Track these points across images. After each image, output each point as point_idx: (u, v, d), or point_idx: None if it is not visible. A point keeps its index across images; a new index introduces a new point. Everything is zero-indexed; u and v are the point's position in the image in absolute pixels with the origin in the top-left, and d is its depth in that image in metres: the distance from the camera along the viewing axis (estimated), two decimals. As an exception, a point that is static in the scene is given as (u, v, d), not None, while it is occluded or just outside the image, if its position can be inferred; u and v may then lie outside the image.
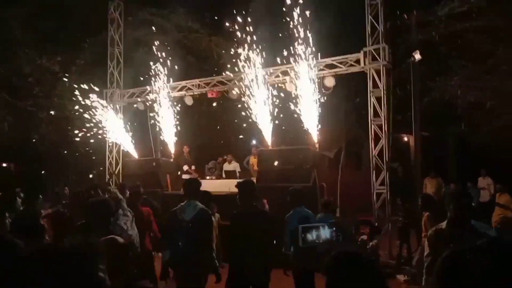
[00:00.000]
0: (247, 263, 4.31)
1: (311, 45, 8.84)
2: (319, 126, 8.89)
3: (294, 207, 5.01)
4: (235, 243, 4.50)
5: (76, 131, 12.08)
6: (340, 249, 1.82)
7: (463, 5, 10.18)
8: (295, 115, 9.10)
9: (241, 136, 14.75)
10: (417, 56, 8.88)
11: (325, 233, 3.15)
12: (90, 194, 5.49)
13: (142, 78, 11.86)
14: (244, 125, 11.18)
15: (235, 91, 10.73)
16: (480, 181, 12.24)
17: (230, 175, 10.98)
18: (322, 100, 9.00)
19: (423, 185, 10.87)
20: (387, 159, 8.64)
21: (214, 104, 13.84)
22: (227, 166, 11.63)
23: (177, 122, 11.35)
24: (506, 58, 10.86)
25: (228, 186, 8.44)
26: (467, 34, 10.89)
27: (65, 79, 13.76)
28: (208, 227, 4.46)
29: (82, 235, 3.14)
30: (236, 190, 4.67)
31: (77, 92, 11.49)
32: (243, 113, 9.84)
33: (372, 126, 8.88)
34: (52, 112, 14.54)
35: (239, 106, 10.23)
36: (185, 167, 11.06)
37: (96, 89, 11.78)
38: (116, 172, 12.72)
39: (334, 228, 3.21)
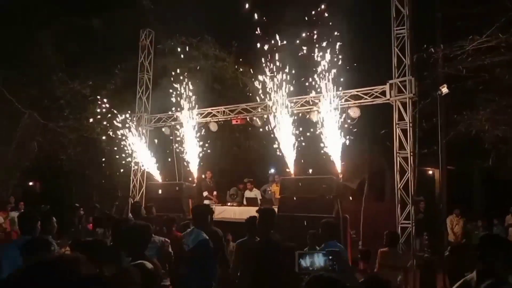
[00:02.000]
0: None
1: (337, 76, 8.92)
2: (343, 157, 8.86)
3: (326, 240, 4.91)
4: (247, 272, 4.45)
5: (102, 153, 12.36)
6: (316, 273, 1.82)
7: (491, 40, 10.15)
8: (319, 145, 9.10)
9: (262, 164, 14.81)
10: (444, 89, 8.84)
11: (319, 260, 3.11)
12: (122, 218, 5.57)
13: (169, 104, 12.14)
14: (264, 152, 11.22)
15: (258, 119, 10.86)
16: (508, 219, 11.87)
17: (251, 202, 10.98)
18: (346, 131, 9.00)
19: (449, 224, 10.58)
20: (412, 193, 8.50)
21: (238, 131, 14.00)
22: (248, 193, 11.65)
23: (201, 148, 11.50)
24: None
25: (249, 213, 8.44)
26: (495, 68, 10.80)
27: (95, 103, 14.17)
28: (208, 256, 4.37)
29: (117, 260, 3.16)
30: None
31: (106, 115, 11.82)
32: (265, 141, 9.92)
33: (398, 158, 8.80)
34: (82, 134, 14.93)
35: (265, 131, 10.33)
36: (205, 193, 11.13)
37: (123, 112, 12.11)
38: (139, 196, 12.88)
39: (330, 257, 3.15)
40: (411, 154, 8.66)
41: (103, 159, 12.89)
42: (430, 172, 15.76)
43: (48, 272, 1.60)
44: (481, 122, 11.52)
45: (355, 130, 9.34)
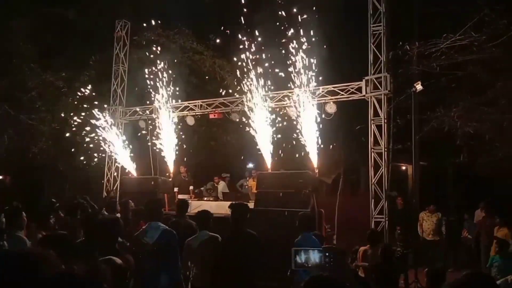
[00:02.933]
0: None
1: (314, 71, 8.96)
2: (319, 152, 8.93)
3: (303, 231, 5.01)
4: (221, 267, 4.43)
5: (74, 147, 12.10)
6: (315, 274, 1.84)
7: (465, 38, 10.36)
8: (296, 140, 9.14)
9: (242, 157, 14.78)
10: (418, 86, 9.00)
11: (314, 257, 3.14)
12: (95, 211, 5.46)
13: (144, 97, 11.96)
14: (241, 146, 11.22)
15: (236, 113, 10.83)
16: (477, 214, 12.18)
17: (227, 196, 10.98)
18: (323, 126, 9.07)
19: (419, 221, 10.49)
20: (386, 188, 8.64)
21: (216, 125, 13.93)
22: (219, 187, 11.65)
23: (177, 141, 11.38)
24: (505, 91, 10.98)
25: (225, 208, 8.42)
26: (467, 66, 11.05)
27: (68, 95, 13.84)
28: (173, 248, 4.32)
29: (88, 256, 3.08)
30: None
31: (80, 108, 11.57)
32: (244, 135, 9.91)
33: (372, 154, 8.93)
34: (54, 126, 14.55)
35: (241, 126, 10.31)
36: (176, 189, 11.00)
37: (97, 104, 11.86)
38: (113, 190, 12.67)
39: (326, 253, 3.19)
40: (385, 149, 8.80)
41: (77, 153, 12.60)
42: (404, 167, 16.07)
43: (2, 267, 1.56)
44: (454, 119, 11.79)
45: (332, 125, 9.43)
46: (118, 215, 6.05)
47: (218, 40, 13.86)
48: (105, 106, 12.44)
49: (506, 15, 10.10)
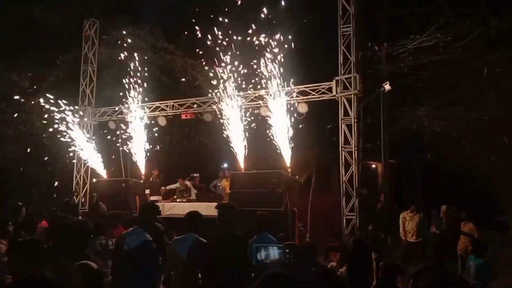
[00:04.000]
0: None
1: (285, 72, 9.03)
2: (291, 151, 9.01)
3: (258, 232, 4.98)
4: (211, 270, 4.39)
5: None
6: (271, 270, 1.88)
7: (431, 39, 10.68)
8: (268, 140, 9.19)
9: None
10: (387, 86, 9.20)
11: (274, 253, 3.21)
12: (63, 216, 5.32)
13: (114, 97, 11.73)
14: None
15: (209, 113, 10.79)
16: (443, 208, 12.56)
17: (200, 197, 10.96)
18: (295, 126, 9.15)
19: (400, 221, 9.60)
20: (357, 186, 8.80)
21: (188, 125, 13.81)
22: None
23: (149, 143, 11.24)
24: (469, 90, 11.39)
25: (199, 209, 8.36)
26: (434, 66, 11.40)
27: (35, 95, 13.40)
28: (150, 257, 4.20)
29: (56, 260, 3.01)
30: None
31: (47, 109, 11.24)
32: (217, 135, 9.88)
33: (343, 153, 9.07)
34: (20, 128, 14.07)
35: (215, 126, 10.28)
36: (147, 191, 10.84)
37: (65, 105, 11.53)
38: (83, 193, 12.39)
39: (286, 250, 3.27)
40: (355, 148, 8.96)
41: (44, 156, 12.23)
42: (374, 165, 16.39)
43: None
44: (421, 118, 12.13)
45: (303, 125, 9.52)
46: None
47: (187, 40, 13.73)
48: (74, 107, 12.10)
49: (469, 17, 10.48)
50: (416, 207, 9.71)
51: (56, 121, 11.25)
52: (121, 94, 11.14)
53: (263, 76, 9.19)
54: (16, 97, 14.12)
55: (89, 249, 3.89)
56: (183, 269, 4.40)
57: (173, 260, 4.52)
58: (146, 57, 13.03)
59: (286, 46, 8.89)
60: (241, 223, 7.04)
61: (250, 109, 10.13)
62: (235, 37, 9.38)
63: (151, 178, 11.46)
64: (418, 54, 11.30)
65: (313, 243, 6.02)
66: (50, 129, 11.54)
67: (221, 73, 9.41)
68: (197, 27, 9.88)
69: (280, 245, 3.32)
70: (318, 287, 3.51)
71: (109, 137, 12.02)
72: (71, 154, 12.06)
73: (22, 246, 3.05)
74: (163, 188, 11.54)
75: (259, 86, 9.63)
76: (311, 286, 2.05)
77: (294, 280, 1.81)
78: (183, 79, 14.43)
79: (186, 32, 13.08)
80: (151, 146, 11.33)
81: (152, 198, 10.49)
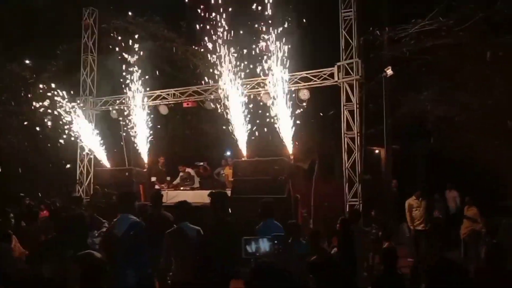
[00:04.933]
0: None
1: (287, 58, 8.96)
2: (294, 138, 8.99)
3: (263, 219, 5.02)
4: (205, 258, 4.41)
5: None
6: (260, 260, 1.93)
7: (433, 23, 10.56)
8: (270, 127, 9.16)
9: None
10: (389, 71, 9.13)
11: (264, 246, 3.24)
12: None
13: (116, 87, 11.70)
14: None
15: (211, 101, 10.75)
16: (447, 193, 12.59)
17: (204, 185, 10.96)
18: (297, 112, 9.11)
19: (407, 208, 9.46)
20: (359, 172, 8.79)
21: (190, 114, 13.78)
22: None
23: (151, 131, 11.24)
24: (472, 75, 11.29)
25: (202, 197, 8.38)
26: (436, 50, 11.29)
27: (37, 85, 13.37)
28: (140, 240, 4.23)
29: (58, 252, 3.02)
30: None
31: (48, 99, 11.23)
32: (219, 123, 9.85)
33: (345, 139, 9.05)
34: (23, 119, 14.09)
35: (217, 114, 10.24)
36: (153, 178, 10.87)
37: (67, 95, 11.53)
38: (87, 182, 12.44)
39: (275, 241, 3.30)
40: (358, 134, 8.93)
41: (48, 146, 12.26)
42: (377, 151, 16.35)
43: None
44: (424, 103, 12.06)
45: (305, 111, 9.48)
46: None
47: (188, 27, 13.62)
48: (75, 97, 12.10)
49: (472, 0, 10.33)
50: (421, 192, 9.57)
51: (58, 110, 11.26)
52: (123, 83, 11.10)
53: (264, 63, 9.12)
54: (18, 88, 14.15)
55: (90, 241, 3.92)
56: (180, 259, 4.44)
57: (169, 249, 4.56)
58: (146, 46, 12.97)
59: (286, 26, 8.77)
60: (244, 211, 7.09)
61: (252, 96, 10.08)
62: (237, 24, 9.30)
63: (159, 166, 11.45)
64: (421, 38, 11.19)
65: (316, 229, 6.05)
66: (50, 122, 11.55)
67: (221, 61, 9.34)
68: (198, 10, 9.71)
69: (268, 237, 3.35)
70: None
71: (111, 124, 12.02)
72: (74, 141, 12.03)
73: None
74: (168, 178, 11.52)
75: (260, 72, 9.55)
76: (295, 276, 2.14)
77: (281, 271, 1.86)
78: (184, 67, 14.35)
79: (186, 19, 12.95)
80: (153, 134, 11.32)
81: (158, 186, 10.54)
